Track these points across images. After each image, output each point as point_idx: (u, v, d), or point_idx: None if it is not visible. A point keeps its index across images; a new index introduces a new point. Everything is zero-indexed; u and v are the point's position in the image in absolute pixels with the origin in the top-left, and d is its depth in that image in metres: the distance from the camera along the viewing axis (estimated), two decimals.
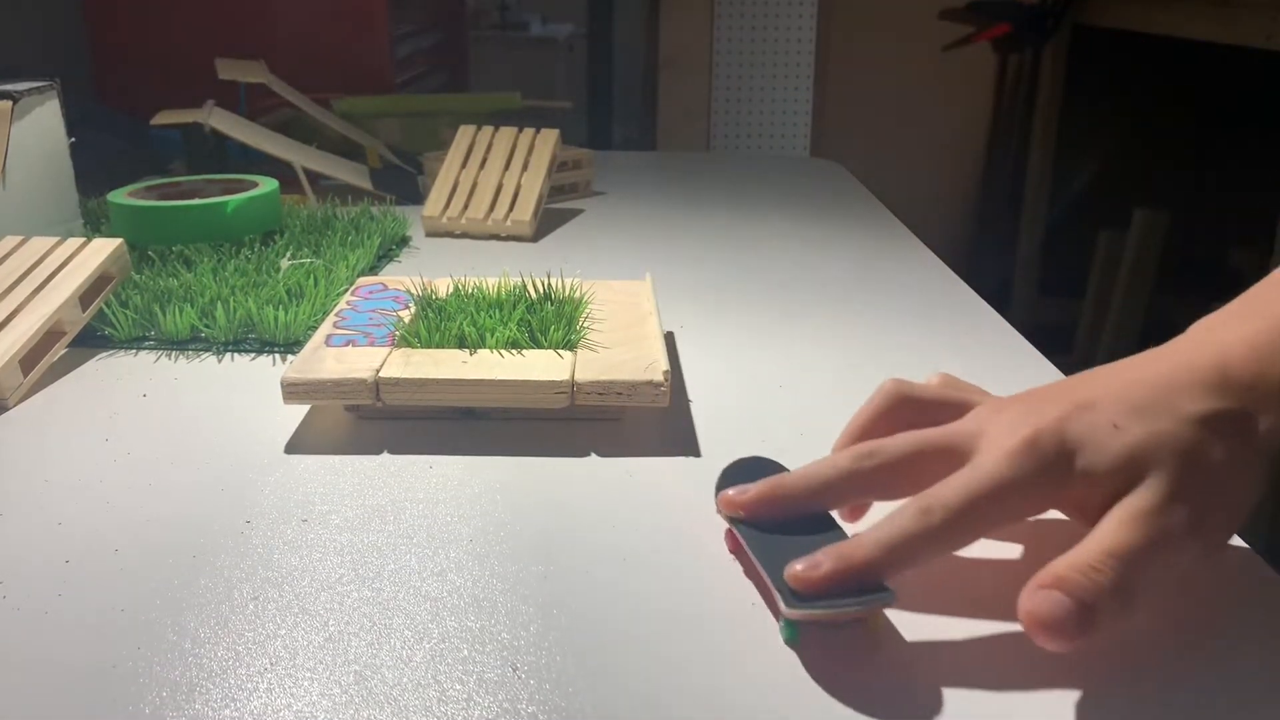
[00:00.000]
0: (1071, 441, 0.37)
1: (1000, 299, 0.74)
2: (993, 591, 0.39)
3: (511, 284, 0.63)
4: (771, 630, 0.37)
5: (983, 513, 0.36)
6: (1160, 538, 0.35)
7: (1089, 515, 0.36)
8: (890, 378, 0.43)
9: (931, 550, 0.36)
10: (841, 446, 0.43)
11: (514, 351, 0.55)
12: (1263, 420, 0.38)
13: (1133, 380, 0.39)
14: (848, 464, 0.39)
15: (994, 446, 0.37)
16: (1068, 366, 0.62)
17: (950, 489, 0.36)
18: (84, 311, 0.64)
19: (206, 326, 0.66)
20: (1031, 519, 0.39)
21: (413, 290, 0.64)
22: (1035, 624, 0.33)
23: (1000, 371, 0.63)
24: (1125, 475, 0.36)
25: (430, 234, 0.96)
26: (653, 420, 0.55)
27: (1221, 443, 0.37)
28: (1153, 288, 2.20)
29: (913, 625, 0.38)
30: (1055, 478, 0.36)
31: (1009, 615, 0.37)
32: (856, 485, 0.39)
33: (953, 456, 0.38)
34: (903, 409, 0.43)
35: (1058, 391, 0.40)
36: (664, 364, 0.53)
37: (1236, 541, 0.43)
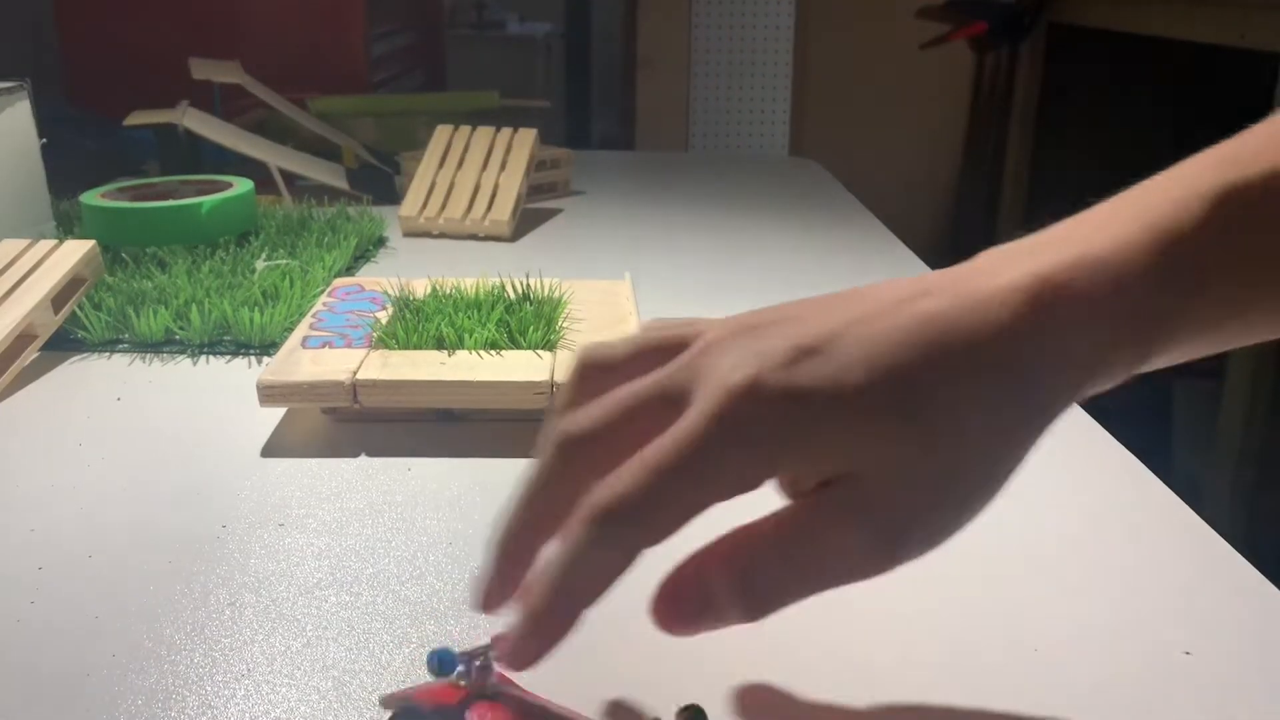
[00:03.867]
0: (791, 402, 0.27)
1: None
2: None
3: (490, 284, 0.63)
4: (752, 627, 0.37)
5: (681, 495, 0.27)
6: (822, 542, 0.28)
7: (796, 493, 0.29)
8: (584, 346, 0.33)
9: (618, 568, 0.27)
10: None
11: (493, 352, 0.55)
12: (1044, 380, 0.28)
13: (902, 317, 0.29)
14: (554, 472, 0.30)
15: (701, 399, 0.28)
16: None
17: (634, 469, 0.27)
18: (56, 314, 0.63)
19: (181, 329, 0.65)
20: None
21: (390, 291, 0.63)
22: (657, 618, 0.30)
23: None
24: (845, 463, 0.28)
25: (407, 234, 0.95)
26: None
27: (982, 434, 0.28)
28: None
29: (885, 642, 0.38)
30: (764, 450, 0.27)
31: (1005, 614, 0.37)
32: (573, 490, 0.29)
33: (670, 404, 0.29)
34: (604, 378, 0.32)
35: (800, 316, 0.31)
36: None
37: (1230, 550, 0.43)
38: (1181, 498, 0.47)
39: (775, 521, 0.29)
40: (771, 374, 0.27)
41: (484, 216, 0.94)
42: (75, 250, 0.66)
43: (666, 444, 0.27)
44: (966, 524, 0.29)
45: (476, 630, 0.37)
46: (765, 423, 0.27)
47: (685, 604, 0.30)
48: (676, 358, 0.30)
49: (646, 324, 0.34)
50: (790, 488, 0.30)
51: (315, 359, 0.54)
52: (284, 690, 0.34)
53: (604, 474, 0.28)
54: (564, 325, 0.58)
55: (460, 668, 0.30)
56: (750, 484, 0.28)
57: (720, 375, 0.28)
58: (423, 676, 0.35)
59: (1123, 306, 0.29)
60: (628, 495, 0.27)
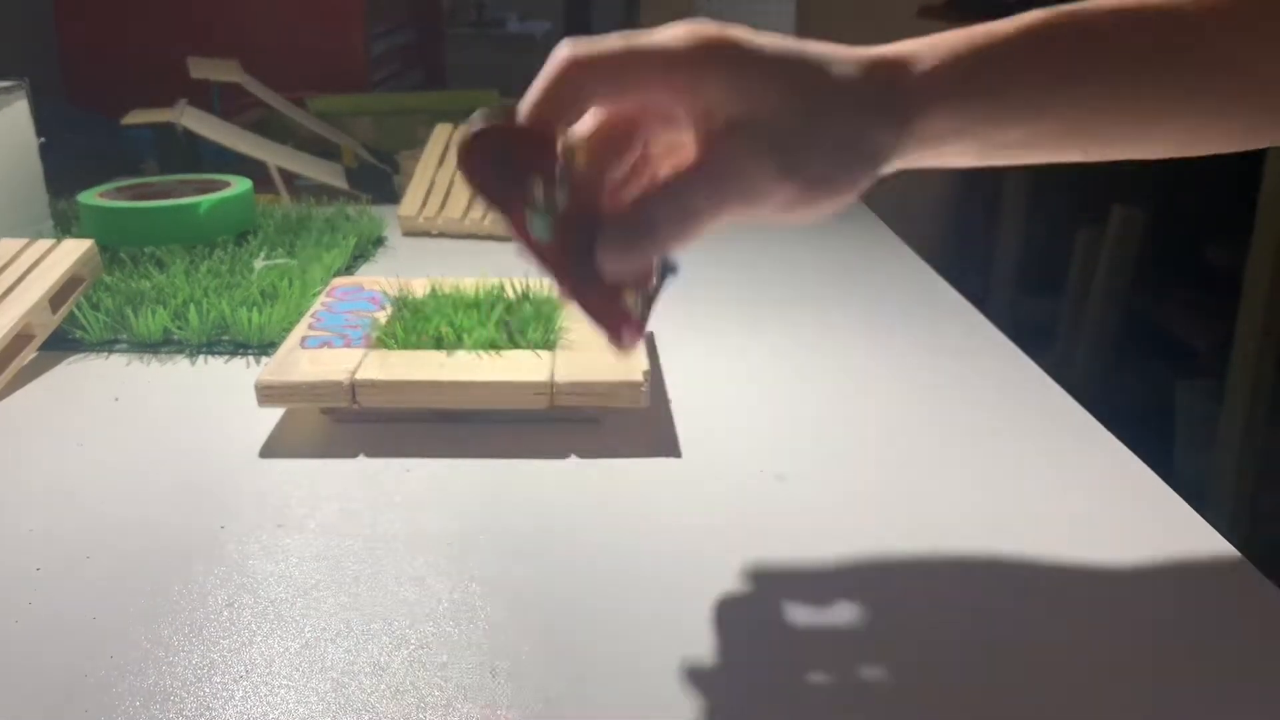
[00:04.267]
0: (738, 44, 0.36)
1: (980, 297, 0.74)
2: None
3: (489, 284, 0.63)
4: (753, 629, 0.37)
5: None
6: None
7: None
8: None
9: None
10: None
11: (492, 352, 0.55)
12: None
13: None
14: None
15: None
16: (1048, 364, 0.62)
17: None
18: (54, 314, 0.63)
19: (179, 329, 0.65)
20: None
21: (389, 291, 0.63)
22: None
23: (981, 370, 0.63)
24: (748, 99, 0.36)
25: (407, 233, 0.95)
26: (632, 421, 0.55)
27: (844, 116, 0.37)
28: (1131, 285, 2.21)
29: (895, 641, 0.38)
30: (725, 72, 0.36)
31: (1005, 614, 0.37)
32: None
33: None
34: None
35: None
36: (643, 364, 0.53)
37: (1230, 550, 0.43)
38: (1182, 497, 0.47)
39: (699, 158, 0.36)
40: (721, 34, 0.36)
41: (483, 216, 0.94)
42: (73, 250, 0.66)
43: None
44: (839, 180, 0.37)
45: (475, 631, 0.37)
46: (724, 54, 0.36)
47: (630, 231, 0.36)
48: None
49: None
50: (703, 125, 0.37)
51: (314, 359, 0.54)
52: (282, 692, 0.34)
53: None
54: (563, 325, 0.58)
55: None
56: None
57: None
58: (421, 678, 0.35)
59: (935, 92, 0.37)
60: None
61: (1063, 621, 0.38)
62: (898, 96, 0.37)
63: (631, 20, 2.36)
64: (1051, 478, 0.49)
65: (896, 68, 0.38)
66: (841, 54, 0.38)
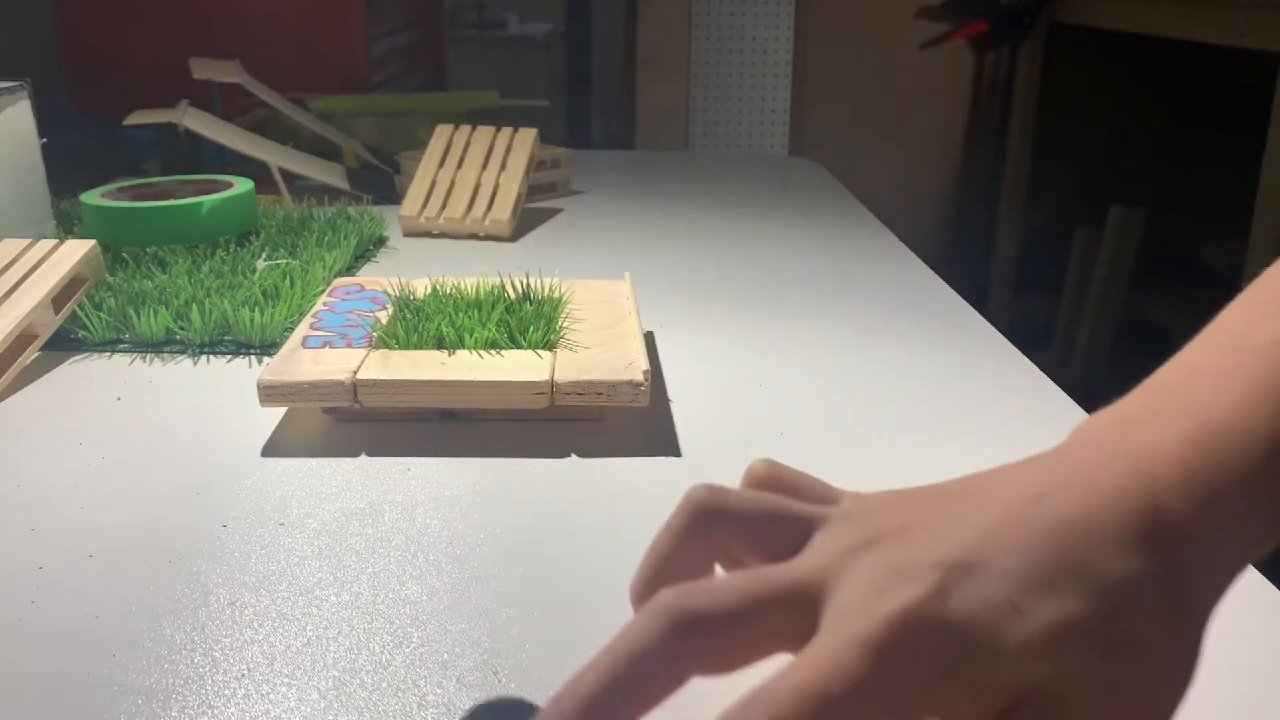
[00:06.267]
0: (955, 629, 0.25)
1: (978, 297, 0.74)
2: None
3: (490, 284, 0.63)
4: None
5: None
6: None
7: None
8: (698, 484, 0.32)
9: None
10: (642, 585, 0.32)
11: (493, 352, 0.55)
12: (1199, 569, 0.27)
13: (1035, 521, 0.27)
14: (660, 643, 0.27)
15: (847, 623, 0.25)
16: (1045, 363, 0.63)
17: (790, 695, 0.24)
18: (57, 314, 0.63)
19: (181, 329, 0.65)
20: None
21: (390, 291, 0.64)
22: None
23: (979, 369, 0.63)
24: (1025, 682, 0.25)
25: (408, 234, 0.95)
26: (633, 420, 0.55)
27: (1152, 619, 0.26)
28: (1128, 284, 2.22)
29: None
30: (933, 682, 0.25)
31: None
32: (676, 670, 0.27)
33: (800, 608, 0.27)
34: (716, 527, 0.31)
35: (929, 522, 0.28)
36: (644, 363, 0.53)
37: None
38: None
39: None
40: (929, 602, 0.25)
41: (484, 216, 0.94)
42: (76, 250, 0.66)
43: (821, 670, 0.24)
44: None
45: (477, 630, 0.37)
46: (926, 656, 0.25)
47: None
48: (805, 553, 0.29)
49: (767, 471, 0.34)
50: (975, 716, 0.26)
51: (315, 359, 0.54)
52: (284, 690, 0.34)
53: (709, 661, 0.27)
54: (564, 325, 0.58)
55: None
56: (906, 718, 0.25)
57: (866, 598, 0.26)
58: (422, 676, 0.35)
59: (1263, 476, 0.28)
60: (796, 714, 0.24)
61: None
62: (1188, 586, 0.27)
63: (631, 21, 2.37)
64: None
65: (1173, 548, 0.27)
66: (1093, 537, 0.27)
